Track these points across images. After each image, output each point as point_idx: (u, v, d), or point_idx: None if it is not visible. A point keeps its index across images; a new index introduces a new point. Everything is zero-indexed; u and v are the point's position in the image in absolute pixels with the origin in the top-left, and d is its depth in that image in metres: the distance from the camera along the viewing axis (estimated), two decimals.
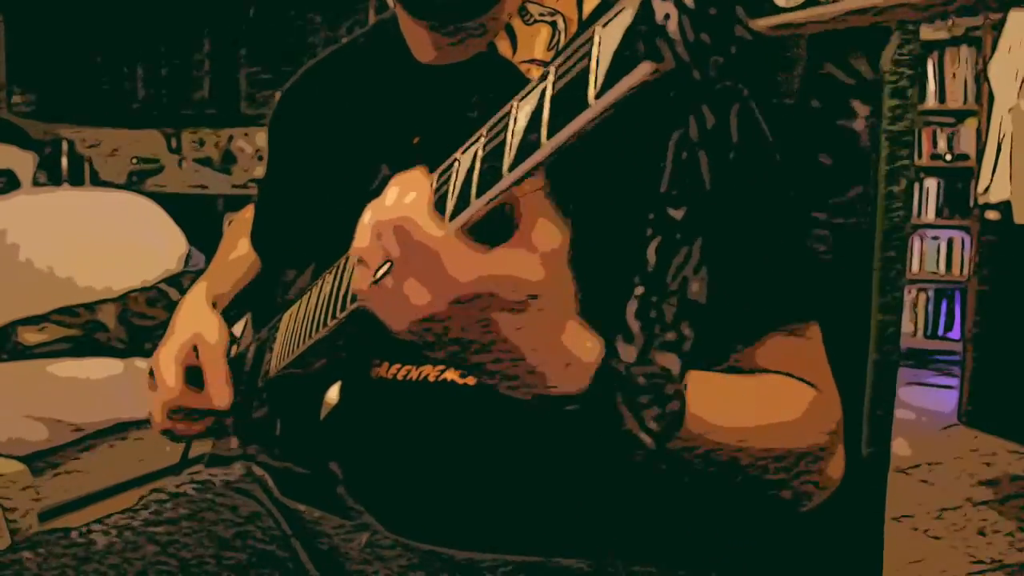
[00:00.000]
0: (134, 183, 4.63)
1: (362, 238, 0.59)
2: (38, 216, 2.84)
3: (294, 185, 0.98)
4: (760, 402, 0.69)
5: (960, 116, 4.94)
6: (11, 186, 3.78)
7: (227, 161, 4.77)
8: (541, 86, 0.48)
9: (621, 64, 0.42)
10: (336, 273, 0.74)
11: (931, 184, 5.03)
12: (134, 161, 4.83)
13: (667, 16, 0.38)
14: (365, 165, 0.85)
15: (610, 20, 0.44)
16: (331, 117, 0.92)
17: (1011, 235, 3.75)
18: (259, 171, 4.57)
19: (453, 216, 0.53)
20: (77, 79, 4.98)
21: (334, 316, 0.72)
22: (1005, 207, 3.74)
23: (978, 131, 4.07)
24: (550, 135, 0.46)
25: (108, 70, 5.01)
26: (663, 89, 0.41)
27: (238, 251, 1.10)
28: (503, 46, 0.79)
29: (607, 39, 0.43)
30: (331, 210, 0.89)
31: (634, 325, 0.45)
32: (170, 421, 0.99)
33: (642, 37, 0.40)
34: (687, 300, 0.43)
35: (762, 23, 0.33)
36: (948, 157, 5.00)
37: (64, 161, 4.43)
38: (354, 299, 0.68)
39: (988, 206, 3.85)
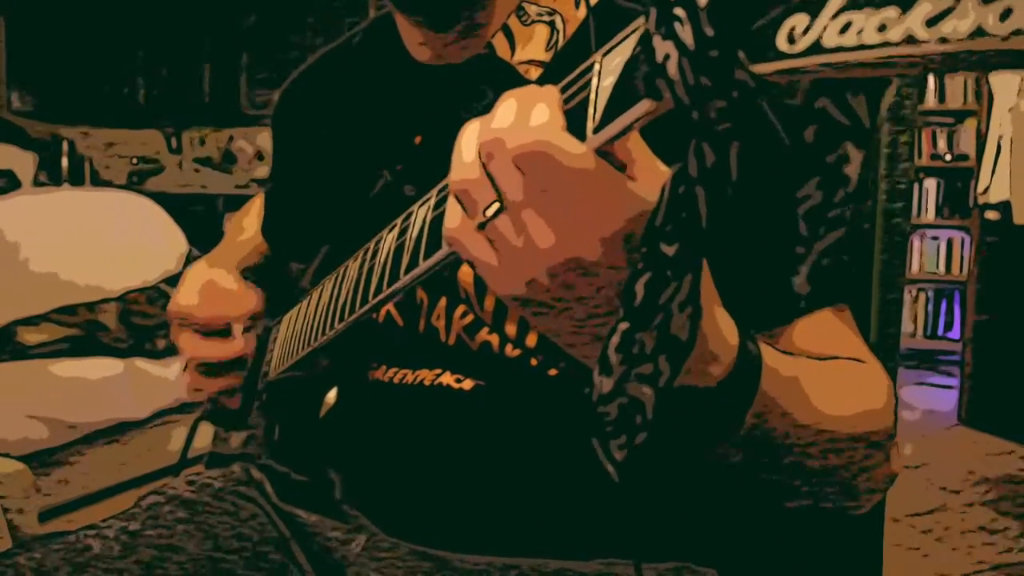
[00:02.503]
0: (134, 183, 4.63)
1: (463, 169, 0.47)
2: (38, 216, 2.84)
3: (299, 182, 0.98)
4: (852, 386, 0.66)
5: (960, 116, 4.95)
6: (11, 186, 3.78)
7: (227, 161, 4.77)
8: None
9: (620, 99, 0.41)
10: (362, 259, 0.69)
11: (931, 184, 5.03)
12: (134, 161, 4.83)
13: (667, 56, 0.37)
14: (366, 164, 0.85)
15: (611, 48, 0.43)
16: (332, 115, 0.92)
17: (1011, 235, 3.75)
18: (259, 171, 4.57)
19: (595, 131, 0.44)
20: (77, 79, 4.98)
21: (364, 303, 0.65)
22: (1005, 207, 3.74)
23: (978, 131, 4.07)
24: None
25: (108, 70, 5.02)
26: (663, 124, 0.40)
27: (244, 235, 1.09)
28: (501, 47, 0.79)
29: (607, 70, 0.42)
30: (335, 208, 0.89)
31: (614, 358, 0.42)
32: (200, 377, 0.94)
33: (642, 75, 0.39)
34: (668, 334, 0.40)
35: (764, 68, 0.32)
36: (948, 157, 5.00)
37: (64, 161, 4.44)
38: (429, 252, 0.56)
39: (988, 206, 3.85)
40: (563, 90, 0.46)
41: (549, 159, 0.43)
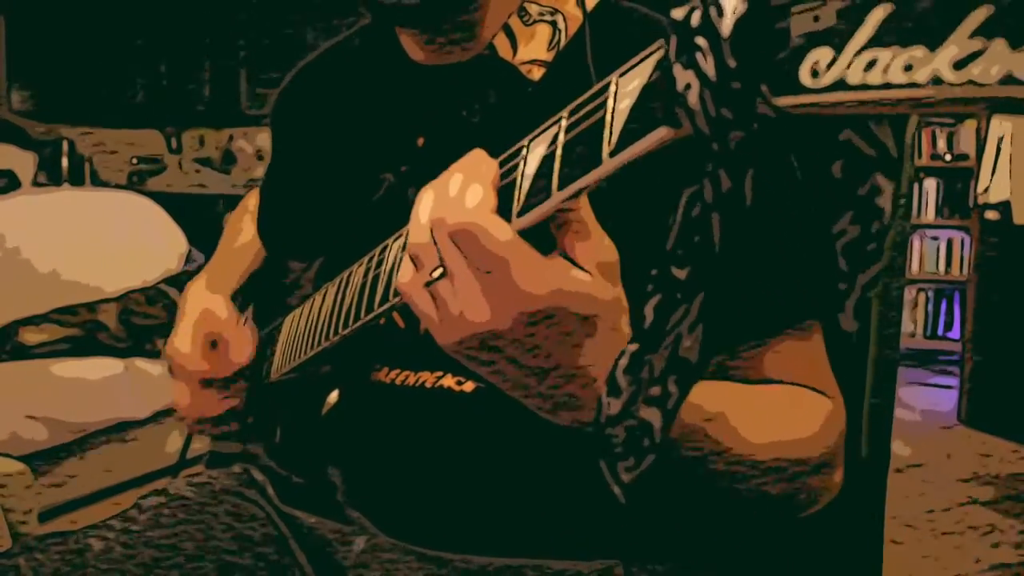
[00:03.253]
0: (134, 183, 4.63)
1: (418, 232, 0.53)
2: (39, 216, 2.83)
3: (297, 180, 0.98)
4: (784, 416, 0.69)
5: (959, 116, 4.94)
6: (11, 186, 3.77)
7: (227, 161, 4.77)
8: (554, 130, 0.47)
9: (637, 123, 0.41)
10: (368, 266, 0.70)
11: (931, 184, 5.02)
12: (134, 161, 4.83)
13: (688, 86, 0.36)
14: (368, 164, 0.85)
15: (628, 70, 0.43)
16: (332, 115, 0.91)
17: (1010, 235, 3.75)
18: (259, 171, 4.56)
19: (520, 215, 0.49)
20: (77, 79, 4.98)
21: (369, 310, 0.67)
22: (1004, 207, 3.74)
23: (977, 131, 4.07)
24: (561, 186, 0.46)
25: (109, 70, 5.01)
26: (679, 150, 0.40)
27: (242, 238, 1.09)
28: (503, 47, 0.79)
29: (624, 92, 0.42)
30: (335, 208, 0.89)
31: (622, 380, 0.43)
32: (197, 425, 0.95)
33: (660, 102, 0.39)
34: (678, 357, 0.41)
35: (786, 101, 0.32)
36: (948, 157, 5.00)
37: (64, 161, 4.43)
38: (396, 293, 0.62)
39: (988, 206, 3.85)
40: (579, 108, 0.46)
41: (475, 238, 0.48)
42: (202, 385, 0.92)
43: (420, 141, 0.82)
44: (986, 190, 3.83)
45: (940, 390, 4.46)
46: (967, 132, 4.86)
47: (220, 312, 0.93)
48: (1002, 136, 3.75)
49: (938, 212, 5.04)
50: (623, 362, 0.43)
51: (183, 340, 0.92)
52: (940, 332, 5.02)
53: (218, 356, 0.92)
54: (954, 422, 3.98)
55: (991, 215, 3.84)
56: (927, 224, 5.04)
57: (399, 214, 0.64)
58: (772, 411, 0.69)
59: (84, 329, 2.61)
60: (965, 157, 4.86)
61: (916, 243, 5.01)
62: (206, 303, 0.95)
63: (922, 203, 5.03)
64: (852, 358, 0.89)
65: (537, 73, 0.78)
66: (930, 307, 5.05)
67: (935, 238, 5.06)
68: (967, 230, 4.55)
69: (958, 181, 4.92)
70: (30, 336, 2.54)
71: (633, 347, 0.43)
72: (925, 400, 4.27)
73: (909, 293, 4.97)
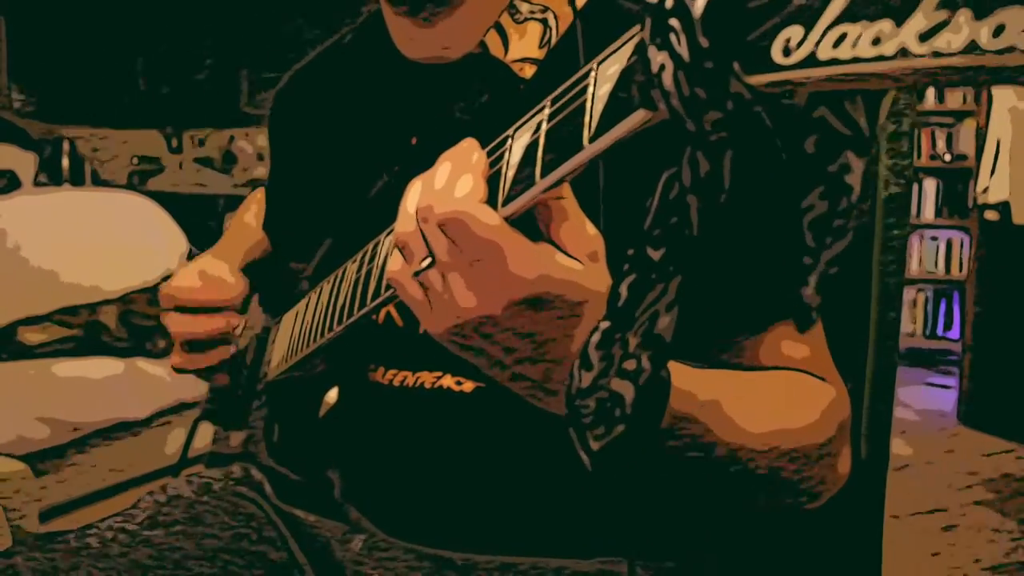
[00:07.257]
0: (135, 183, 4.63)
1: (405, 222, 0.53)
2: (39, 216, 2.84)
3: (297, 182, 0.98)
4: (782, 403, 0.68)
5: (959, 116, 4.94)
6: (12, 186, 3.78)
7: (228, 161, 4.77)
8: (538, 119, 0.48)
9: (616, 108, 0.41)
10: (361, 262, 0.70)
11: (930, 184, 5.02)
12: (135, 161, 4.83)
13: (662, 67, 0.36)
14: (363, 164, 0.85)
15: (607, 57, 0.43)
16: (327, 116, 0.92)
17: (1010, 235, 3.75)
18: (259, 171, 4.57)
19: (505, 203, 0.49)
20: (78, 79, 4.98)
21: (363, 305, 0.67)
22: (1004, 207, 3.74)
23: (977, 131, 4.07)
24: (543, 174, 0.46)
25: (109, 70, 5.02)
26: (659, 132, 0.40)
27: (247, 231, 1.09)
28: (494, 45, 0.79)
29: (603, 77, 0.43)
30: (333, 208, 0.89)
31: (594, 356, 0.44)
32: (185, 354, 0.93)
33: (637, 85, 0.39)
34: (653, 334, 0.42)
35: (759, 79, 0.32)
36: (947, 157, 5.00)
37: (65, 161, 4.43)
38: (388, 286, 0.62)
39: (987, 206, 3.85)
40: (562, 95, 0.46)
41: (465, 227, 0.48)
42: (191, 311, 0.91)
43: (413, 140, 0.82)
44: (985, 190, 3.83)
45: (940, 390, 4.46)
46: (966, 132, 4.86)
47: (216, 269, 0.93)
48: (1001, 136, 3.75)
49: (937, 212, 5.05)
50: (595, 338, 0.44)
51: (178, 278, 0.93)
52: (939, 332, 5.02)
53: (211, 287, 0.92)
54: (953, 422, 3.98)
55: (990, 215, 3.84)
56: (926, 224, 5.04)
57: (394, 212, 0.64)
58: (770, 398, 0.68)
59: (85, 329, 2.61)
60: (964, 157, 4.86)
61: (915, 243, 5.01)
62: (203, 263, 0.95)
63: (921, 203, 5.03)
64: (852, 358, 0.89)
65: (529, 71, 0.78)
66: (929, 307, 5.05)
67: (934, 238, 5.06)
68: (966, 230, 4.55)
69: (957, 181, 4.92)
70: (31, 336, 2.54)
71: (605, 324, 0.43)
72: (925, 400, 4.27)
73: (908, 293, 4.97)
